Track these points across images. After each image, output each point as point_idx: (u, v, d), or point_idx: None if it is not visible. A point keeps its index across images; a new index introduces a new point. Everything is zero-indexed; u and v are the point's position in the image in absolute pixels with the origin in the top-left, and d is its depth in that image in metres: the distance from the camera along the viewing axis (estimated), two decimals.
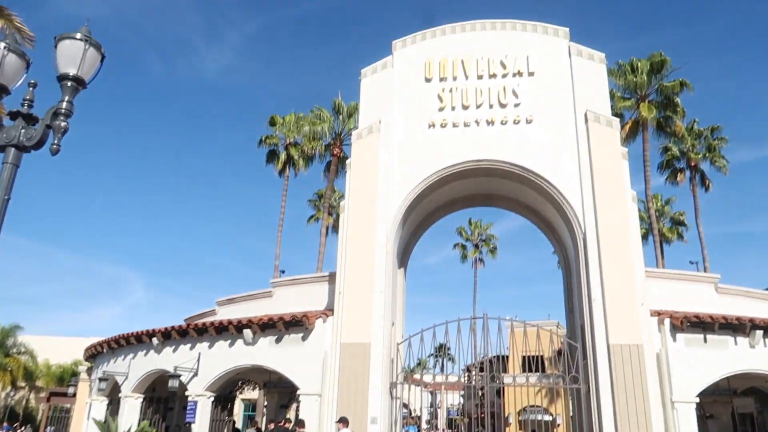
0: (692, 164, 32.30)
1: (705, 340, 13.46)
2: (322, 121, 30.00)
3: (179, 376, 14.80)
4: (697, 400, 12.90)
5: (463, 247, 50.02)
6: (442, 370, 46.02)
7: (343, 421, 12.41)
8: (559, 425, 36.42)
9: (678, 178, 33.05)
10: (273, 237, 30.88)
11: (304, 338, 14.41)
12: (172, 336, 15.72)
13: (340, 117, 30.46)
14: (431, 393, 56.41)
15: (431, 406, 55.43)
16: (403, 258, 17.46)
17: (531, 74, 16.15)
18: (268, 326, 14.65)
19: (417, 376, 33.95)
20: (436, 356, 48.97)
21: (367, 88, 16.69)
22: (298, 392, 14.04)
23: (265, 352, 14.66)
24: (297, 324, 14.35)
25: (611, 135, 15.11)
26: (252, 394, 25.41)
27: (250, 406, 35.01)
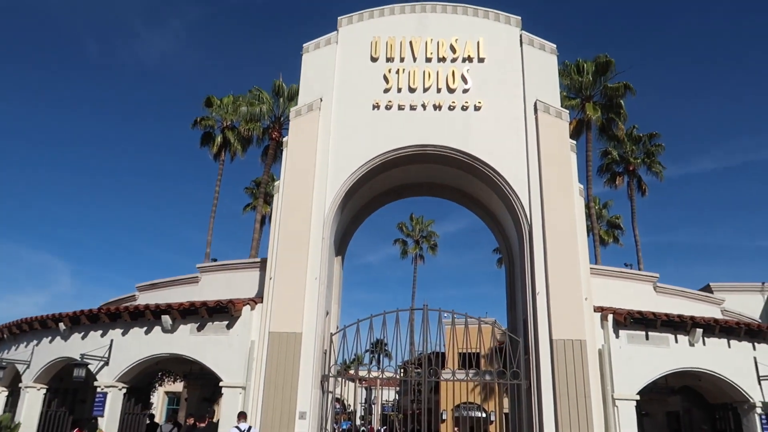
0: (630, 169, 32.82)
1: (647, 337, 13.22)
2: (261, 103, 28.54)
3: (86, 364, 13.39)
4: (638, 397, 12.63)
5: (404, 242, 49.56)
6: (378, 365, 45.43)
7: (242, 415, 11.78)
8: (492, 422, 36.45)
9: (617, 182, 33.53)
10: (206, 225, 29.20)
11: (229, 326, 13.29)
12: (81, 321, 14.24)
13: (281, 100, 29.11)
14: (367, 389, 55.74)
15: (366, 402, 54.78)
16: (341, 246, 16.57)
17: (481, 60, 15.57)
18: (190, 312, 13.45)
19: (353, 372, 33.06)
20: (372, 351, 48.34)
21: (309, 64, 15.68)
22: (221, 384, 12.92)
23: (186, 341, 13.45)
24: (222, 311, 13.21)
25: (560, 126, 14.70)
26: (177, 386, 23.92)
27: (175, 399, 33.27)
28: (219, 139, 30.56)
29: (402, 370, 21.33)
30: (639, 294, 15.61)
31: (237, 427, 11.45)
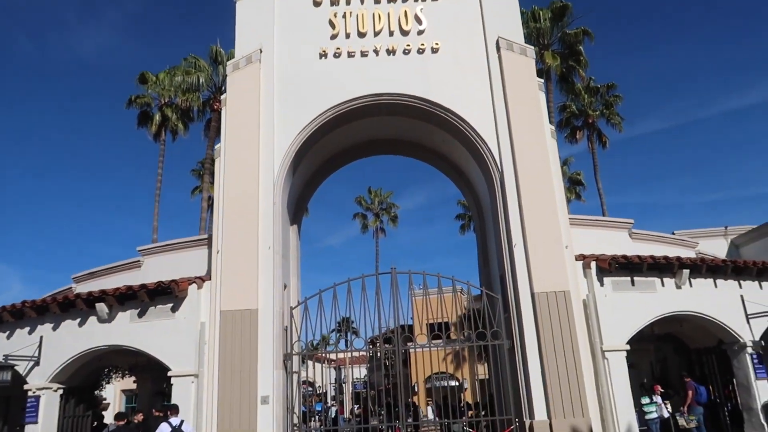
0: (590, 122, 32.19)
1: (632, 283, 12.33)
2: (199, 71, 26.44)
3: (12, 366, 11.67)
4: (628, 347, 11.75)
5: (364, 216, 48.16)
6: (346, 344, 44.25)
7: (174, 409, 10.52)
8: (466, 389, 35.89)
9: (577, 137, 32.89)
10: (152, 212, 26.99)
11: (174, 309, 11.75)
12: (3, 319, 12.44)
13: (220, 67, 27.05)
14: (336, 369, 54.65)
15: (336, 382, 53.75)
16: (297, 212, 15.10)
17: None
18: (128, 298, 11.84)
19: (320, 354, 31.73)
20: (339, 331, 47.14)
21: (244, 12, 14.00)
22: (169, 374, 11.43)
23: (126, 330, 11.85)
24: (164, 293, 11.66)
25: (526, 64, 13.50)
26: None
27: (133, 396, 31.38)
28: (157, 117, 28.30)
29: (371, 345, 20.14)
30: (614, 241, 14.71)
31: (168, 423, 10.09)
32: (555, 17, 26.27)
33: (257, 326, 11.38)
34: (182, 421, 10.29)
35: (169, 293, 11.62)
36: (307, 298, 12.18)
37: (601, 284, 12.14)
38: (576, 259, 12.25)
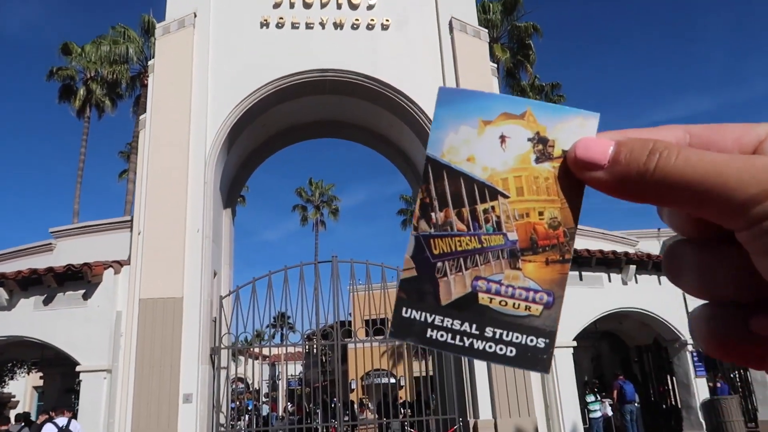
0: None
1: (580, 277, 11.97)
2: (128, 41, 24.50)
3: None
4: (575, 344, 11.36)
5: (304, 208, 46.89)
6: (281, 339, 42.90)
7: (60, 410, 9.66)
8: (402, 387, 35.40)
9: None
10: (72, 194, 24.91)
11: (86, 296, 10.47)
12: None
13: (152, 39, 25.25)
14: (270, 365, 53.14)
15: (269, 379, 52.27)
16: (231, 195, 13.98)
17: None
18: (32, 282, 10.47)
19: (253, 349, 30.39)
20: (274, 325, 45.75)
21: None
22: (78, 369, 10.16)
23: (29, 318, 10.48)
24: (75, 277, 10.37)
25: (479, 47, 12.92)
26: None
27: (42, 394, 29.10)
28: (82, 91, 26.10)
29: (308, 340, 19.14)
30: None
31: (53, 423, 8.94)
32: (506, 10, 26.03)
33: (181, 316, 10.27)
34: (70, 420, 9.17)
35: (80, 278, 10.34)
36: (239, 286, 11.16)
37: None
38: None
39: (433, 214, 0.53)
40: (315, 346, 15.60)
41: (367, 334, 11.82)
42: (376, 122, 14.27)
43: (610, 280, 12.27)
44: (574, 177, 0.50)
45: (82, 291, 10.46)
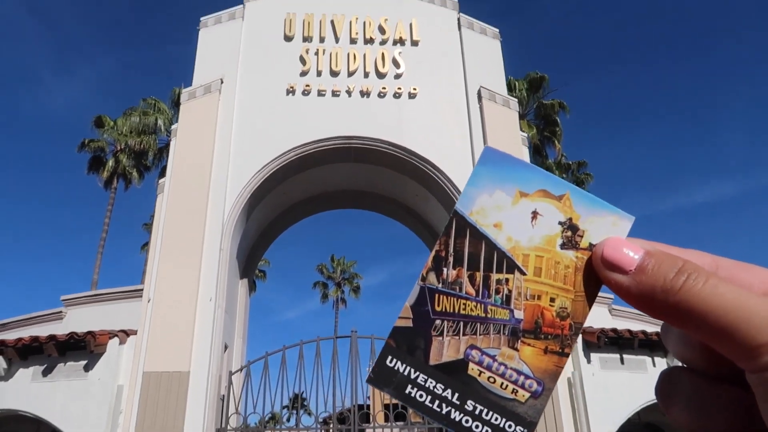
0: None
1: (622, 360, 10.91)
2: (158, 112, 24.87)
3: None
4: None
5: (324, 285, 46.10)
6: (296, 424, 40.99)
7: None
8: None
9: None
10: (93, 265, 24.54)
11: (88, 367, 9.74)
12: None
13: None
14: None
15: None
16: (249, 265, 13.40)
17: (415, 43, 13.31)
18: (33, 351, 9.81)
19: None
20: (291, 408, 43.90)
21: (207, 40, 12.84)
22: None
23: (26, 391, 9.73)
24: (78, 347, 9.69)
25: (509, 117, 12.57)
26: None
27: None
28: (111, 163, 26.38)
29: (323, 424, 17.83)
30: (594, 318, 13.40)
31: None
32: (531, 87, 26.10)
33: (186, 392, 9.43)
34: None
35: (82, 348, 9.66)
36: (250, 362, 10.34)
37: (588, 361, 10.70)
38: None
39: (445, 270, 0.52)
40: (331, 431, 14.46)
41: (387, 419, 10.78)
42: (401, 192, 13.79)
43: (654, 365, 11.17)
44: (595, 274, 0.49)
45: (84, 362, 9.75)
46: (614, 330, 10.89)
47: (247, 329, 13.08)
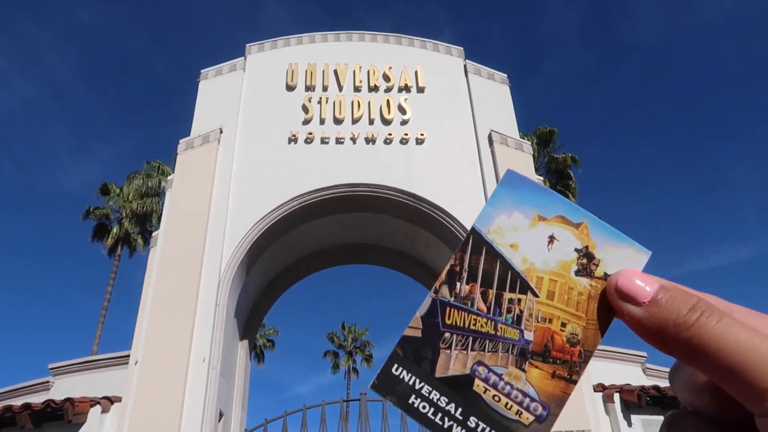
0: None
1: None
2: (161, 175, 24.51)
3: None
4: None
5: (335, 354, 44.43)
6: None
7: None
8: None
9: None
10: (93, 334, 23.52)
11: None
12: None
13: None
14: None
15: None
16: (249, 325, 12.44)
17: (421, 90, 12.89)
18: (5, 423, 8.80)
19: None
20: None
21: (207, 91, 12.49)
22: None
23: None
24: (54, 416, 8.68)
25: (523, 160, 11.92)
26: None
27: None
28: (115, 230, 25.88)
29: None
30: (627, 376, 12.20)
31: None
32: (541, 142, 25.67)
33: None
34: None
35: (59, 418, 8.65)
36: (247, 431, 9.24)
37: (629, 423, 9.50)
38: (594, 390, 9.71)
39: (458, 284, 0.52)
40: None
41: None
42: (411, 244, 12.99)
43: None
44: (608, 304, 0.49)
45: None
46: (656, 388, 9.73)
47: (247, 397, 11.96)
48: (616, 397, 9.58)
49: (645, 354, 13.29)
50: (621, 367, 12.74)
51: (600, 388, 9.81)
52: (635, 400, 9.38)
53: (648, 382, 12.52)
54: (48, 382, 12.38)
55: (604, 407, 9.65)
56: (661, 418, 9.50)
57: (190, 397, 8.95)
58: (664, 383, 12.61)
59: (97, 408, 8.87)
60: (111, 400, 9.17)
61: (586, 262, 0.50)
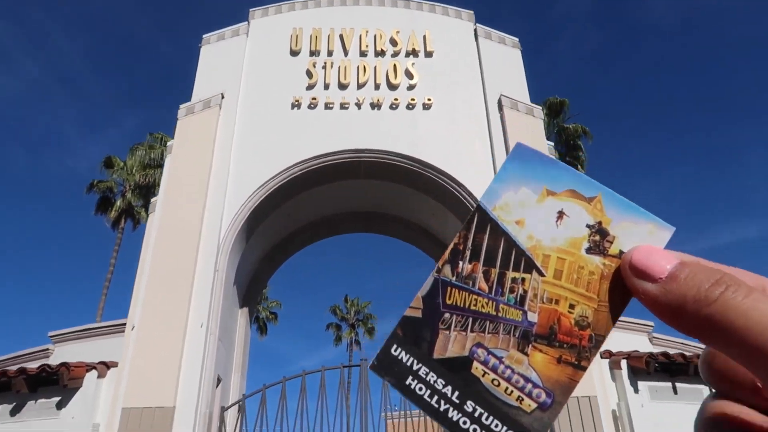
0: None
1: (674, 390, 9.42)
2: (164, 146, 24.21)
3: None
4: None
5: (338, 327, 44.43)
6: None
7: None
8: None
9: None
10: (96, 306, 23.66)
11: (61, 405, 8.56)
12: None
13: None
14: None
15: None
16: (250, 293, 12.24)
17: (429, 54, 12.47)
18: (2, 387, 8.67)
19: None
20: None
21: (209, 57, 12.14)
22: None
23: None
24: (49, 381, 8.54)
25: (533, 125, 11.53)
26: None
27: None
28: (119, 203, 25.71)
29: None
30: (634, 346, 11.95)
31: None
32: (551, 113, 25.12)
33: (170, 431, 8.17)
34: None
35: (54, 383, 8.50)
36: (245, 395, 9.08)
37: (636, 390, 9.24)
38: (601, 357, 9.46)
39: (460, 263, 0.51)
40: None
41: None
42: (416, 212, 12.69)
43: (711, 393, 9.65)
44: (623, 284, 0.46)
45: (57, 398, 8.58)
46: (665, 354, 9.46)
47: (247, 364, 11.80)
48: (624, 363, 9.31)
49: (652, 323, 13.01)
50: (627, 336, 12.47)
51: (607, 354, 9.56)
52: (643, 367, 9.12)
53: (655, 350, 12.27)
54: (48, 349, 12.25)
55: (610, 374, 9.39)
56: (669, 384, 9.25)
57: (188, 362, 8.77)
58: (672, 351, 12.37)
59: (93, 373, 8.71)
60: (107, 365, 9.01)
61: (599, 238, 0.46)
